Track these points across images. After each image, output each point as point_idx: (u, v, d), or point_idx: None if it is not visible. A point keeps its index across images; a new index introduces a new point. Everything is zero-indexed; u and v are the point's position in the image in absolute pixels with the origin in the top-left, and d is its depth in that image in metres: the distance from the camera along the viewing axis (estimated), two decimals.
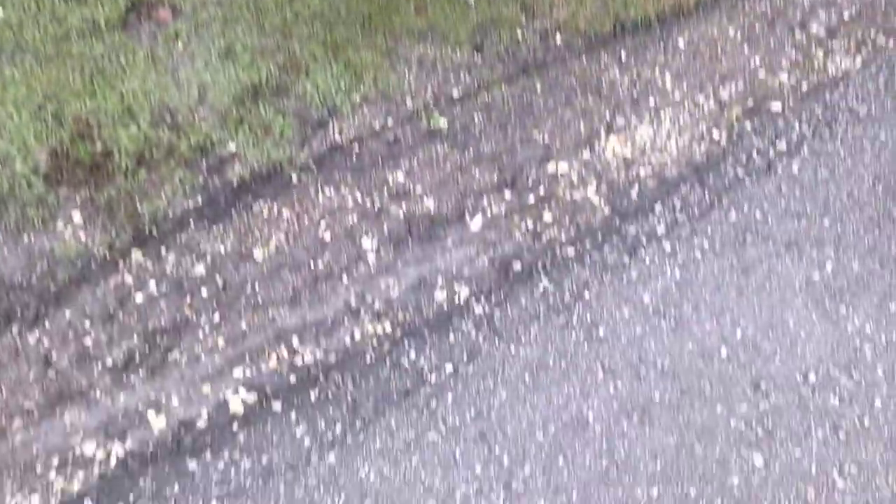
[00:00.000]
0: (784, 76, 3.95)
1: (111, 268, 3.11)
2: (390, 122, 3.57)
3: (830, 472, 2.87)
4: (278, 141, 3.44)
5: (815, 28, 4.13)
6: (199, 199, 3.28)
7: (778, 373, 3.06)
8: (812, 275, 3.30)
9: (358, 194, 3.40)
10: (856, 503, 2.81)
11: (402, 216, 3.38)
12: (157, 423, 2.83)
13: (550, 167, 3.59)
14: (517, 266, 3.31)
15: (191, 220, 3.24)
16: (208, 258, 3.18)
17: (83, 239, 3.14)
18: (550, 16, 3.96)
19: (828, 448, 2.91)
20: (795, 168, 3.62)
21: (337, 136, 3.51)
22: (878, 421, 2.97)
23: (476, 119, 3.64)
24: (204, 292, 3.10)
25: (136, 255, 3.14)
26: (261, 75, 3.53)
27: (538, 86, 3.78)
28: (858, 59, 4.02)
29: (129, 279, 3.09)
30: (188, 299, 3.08)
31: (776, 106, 3.84)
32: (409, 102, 3.62)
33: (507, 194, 3.49)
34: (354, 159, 3.48)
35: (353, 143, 3.51)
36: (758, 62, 3.98)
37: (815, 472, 2.86)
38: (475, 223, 3.41)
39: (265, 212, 3.31)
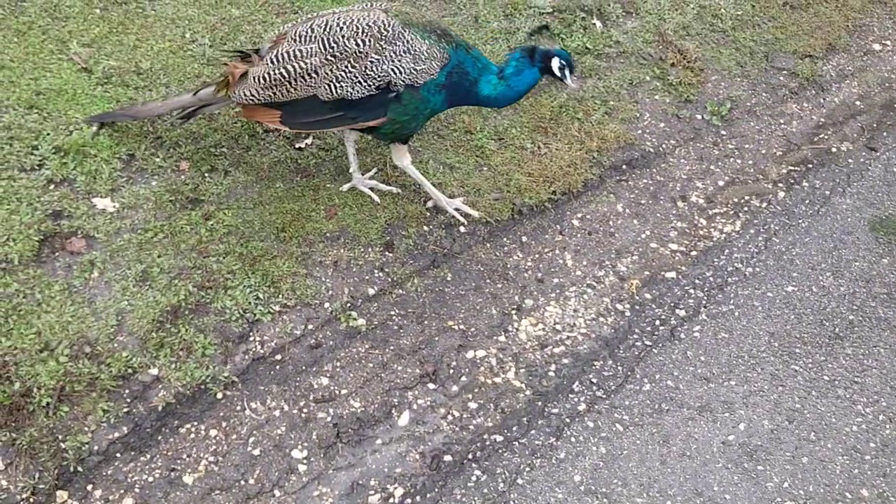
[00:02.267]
0: (674, 245, 4.26)
1: None
2: (310, 326, 3.67)
3: None
4: (201, 360, 3.48)
5: (695, 197, 4.50)
6: (124, 428, 3.26)
7: None
8: (728, 437, 3.47)
9: (284, 404, 3.44)
10: None
11: (329, 421, 3.42)
12: None
13: (469, 354, 3.72)
14: (448, 458, 3.37)
15: (117, 451, 3.21)
16: (137, 489, 3.13)
17: (4, 485, 3.06)
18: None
19: None
20: (696, 332, 3.86)
21: (259, 347, 3.58)
22: None
23: (393, 314, 3.78)
24: None
25: (61, 496, 3.07)
26: (179, 296, 3.60)
27: (449, 275, 3.97)
28: (738, 223, 4.38)
29: None
30: None
31: (671, 274, 4.13)
32: (326, 305, 3.74)
33: (431, 386, 3.59)
34: (278, 369, 3.54)
35: (276, 353, 3.57)
36: (648, 234, 4.29)
37: None
38: (403, 419, 3.48)
39: (192, 434, 3.30)
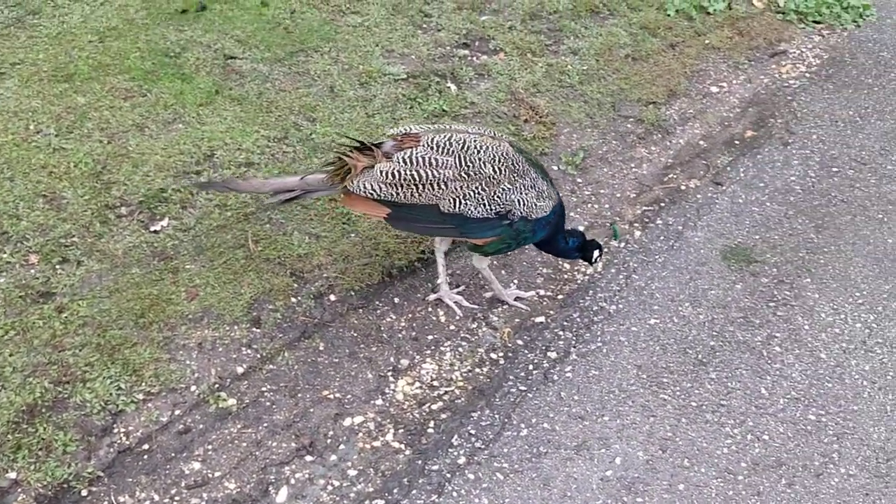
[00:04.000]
0: (541, 291, 4.35)
1: None
2: (178, 412, 3.55)
3: None
4: (62, 457, 3.31)
5: None
6: None
7: None
8: (606, 472, 3.52)
9: (154, 494, 3.30)
10: None
11: None
12: None
13: (347, 422, 3.67)
14: None
15: None
16: None
17: None
18: (321, 278, 4.20)
19: None
20: (569, 372, 3.93)
21: (124, 438, 3.43)
22: None
23: (265, 390, 3.71)
24: None
25: None
26: (35, 394, 3.44)
27: (321, 345, 3.93)
28: (600, 265, 4.52)
29: None
30: None
31: (540, 319, 4.21)
32: (193, 388, 3.63)
33: (309, 458, 3.52)
34: (146, 459, 3.40)
35: (143, 443, 3.44)
36: (516, 282, 4.38)
37: None
38: (281, 495, 3.38)
39: None
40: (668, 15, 6.47)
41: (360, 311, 4.12)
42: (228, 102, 4.96)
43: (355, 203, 3.86)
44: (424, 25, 5.93)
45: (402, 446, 3.60)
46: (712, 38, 6.37)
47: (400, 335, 4.05)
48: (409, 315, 4.15)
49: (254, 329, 3.89)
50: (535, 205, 3.79)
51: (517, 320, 4.20)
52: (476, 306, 4.22)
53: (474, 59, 5.73)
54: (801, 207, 4.96)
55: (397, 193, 3.72)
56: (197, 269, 4.03)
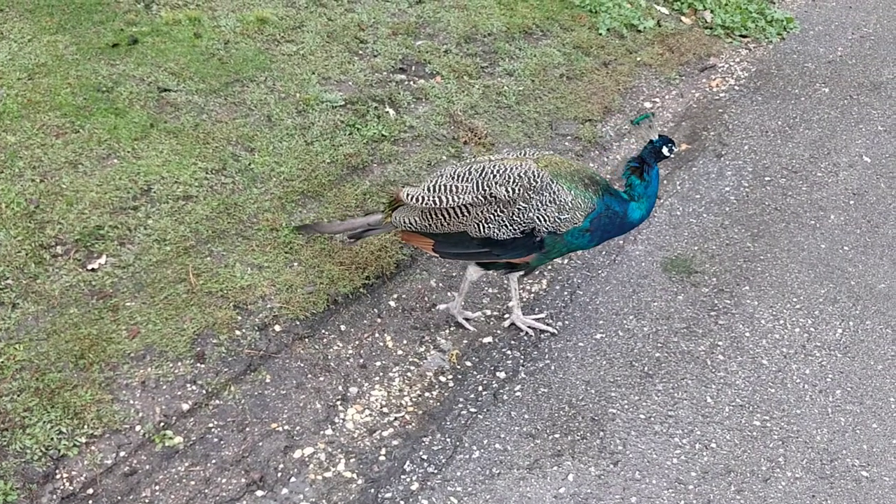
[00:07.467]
0: (487, 311, 4.37)
1: None
2: (123, 453, 3.47)
3: None
4: None
5: None
6: None
7: None
8: (559, 489, 3.53)
9: None
10: None
11: None
12: None
13: (297, 454, 3.63)
14: None
15: None
16: None
17: None
18: (265, 309, 4.15)
19: None
20: (518, 391, 3.95)
21: (67, 484, 3.34)
22: None
23: (212, 426, 3.64)
24: None
25: None
26: None
27: (268, 377, 3.88)
28: (544, 282, 4.56)
29: None
30: None
31: (488, 339, 4.22)
32: (138, 428, 3.56)
33: (260, 493, 3.46)
34: None
35: (87, 487, 3.35)
36: (463, 304, 4.39)
37: None
38: None
39: None
40: (600, 34, 6.60)
41: (306, 340, 4.09)
42: (164, 135, 4.90)
43: (409, 238, 4.07)
44: (360, 52, 5.95)
45: (354, 476, 3.57)
46: (644, 55, 6.51)
47: (347, 363, 4.03)
48: (356, 342, 4.13)
49: (198, 364, 3.83)
50: (559, 218, 3.77)
51: (465, 341, 4.20)
52: (551, 328, 4.26)
53: (411, 83, 5.76)
54: (737, 217, 5.08)
55: (429, 225, 3.90)
56: (137, 306, 3.96)
